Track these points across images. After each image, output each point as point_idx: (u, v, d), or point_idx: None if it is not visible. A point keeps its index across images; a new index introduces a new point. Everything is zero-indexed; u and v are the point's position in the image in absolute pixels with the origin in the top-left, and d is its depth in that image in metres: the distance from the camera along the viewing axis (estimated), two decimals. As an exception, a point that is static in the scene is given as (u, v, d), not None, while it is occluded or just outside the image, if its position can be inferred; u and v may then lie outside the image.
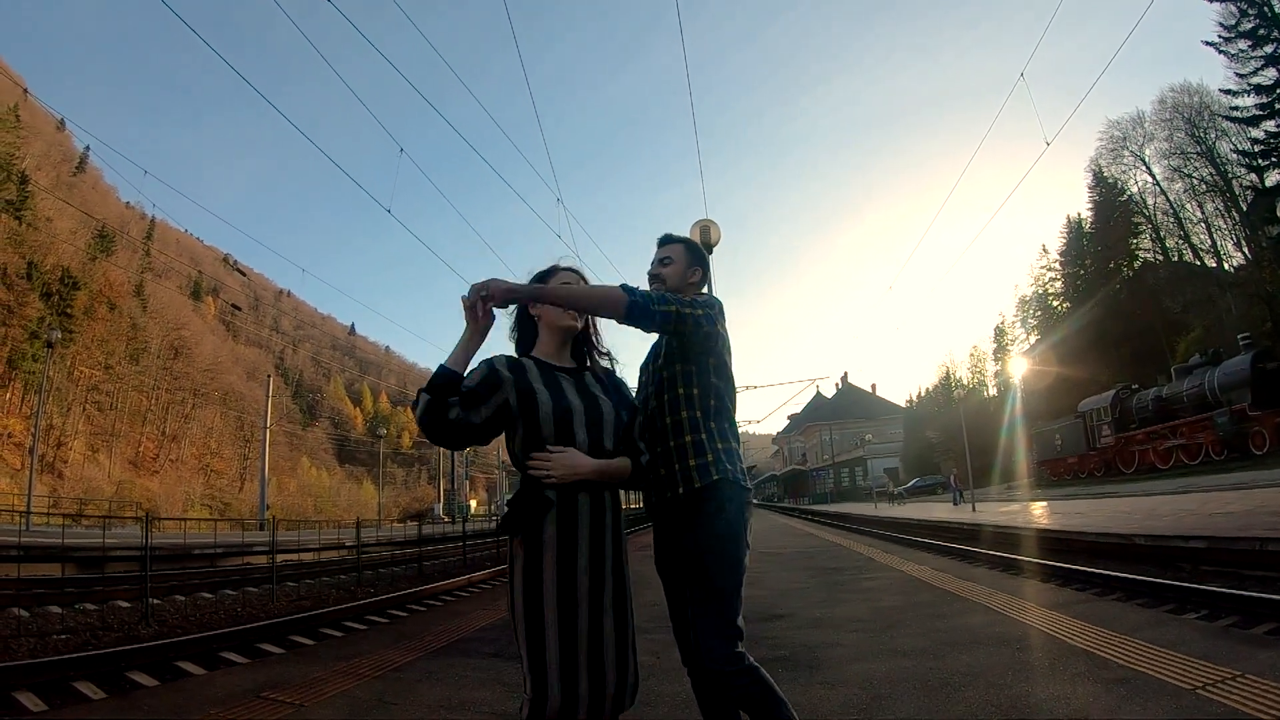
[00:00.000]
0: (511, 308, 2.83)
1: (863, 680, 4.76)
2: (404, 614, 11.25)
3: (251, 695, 5.02)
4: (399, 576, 17.36)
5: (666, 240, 3.32)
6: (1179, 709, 3.74)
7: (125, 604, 12.28)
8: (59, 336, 43.38)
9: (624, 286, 2.75)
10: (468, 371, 2.57)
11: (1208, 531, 11.27)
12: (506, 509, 2.59)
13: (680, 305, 2.84)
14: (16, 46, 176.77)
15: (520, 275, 2.77)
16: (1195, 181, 55.87)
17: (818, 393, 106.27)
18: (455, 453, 64.15)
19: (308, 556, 22.13)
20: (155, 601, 11.68)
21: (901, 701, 4.24)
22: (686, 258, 3.26)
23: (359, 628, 9.98)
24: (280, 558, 16.48)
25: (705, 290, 3.39)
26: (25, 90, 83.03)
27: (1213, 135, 54.11)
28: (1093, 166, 64.49)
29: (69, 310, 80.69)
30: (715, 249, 12.48)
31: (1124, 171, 62.50)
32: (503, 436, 2.69)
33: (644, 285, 3.10)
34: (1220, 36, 51.28)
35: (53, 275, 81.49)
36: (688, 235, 3.36)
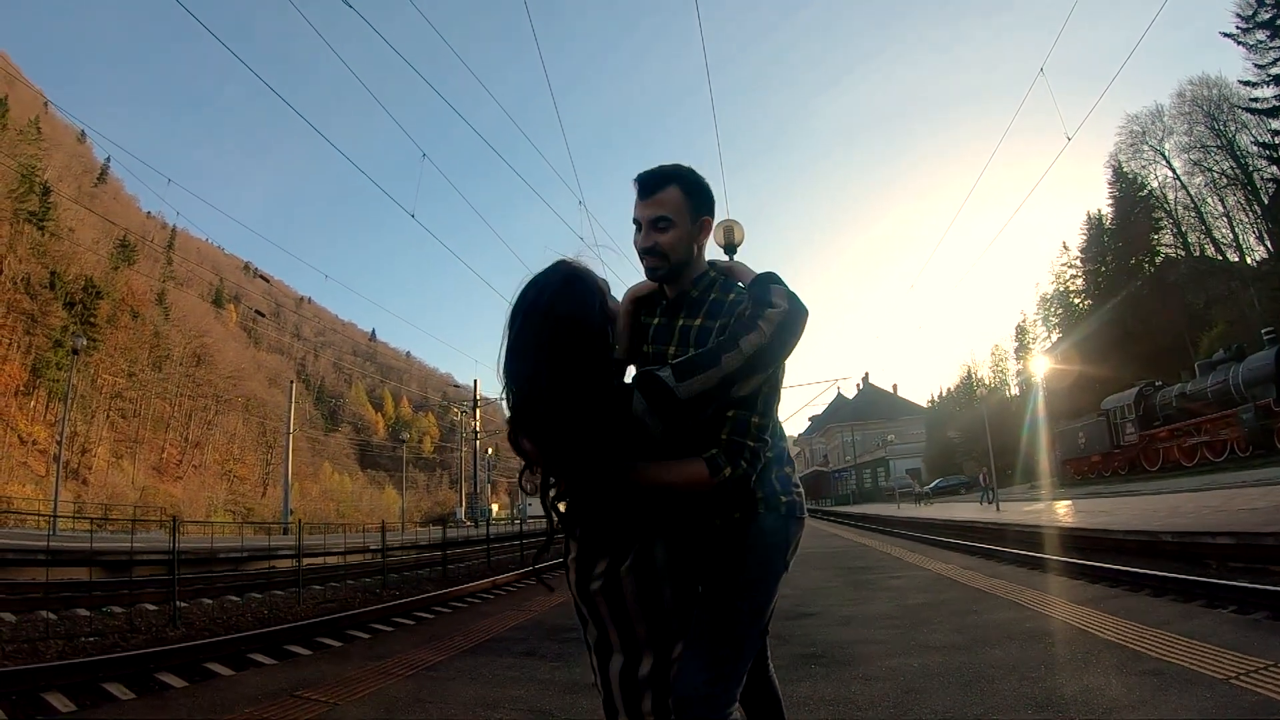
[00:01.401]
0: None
1: (896, 675, 4.76)
2: (430, 616, 11.31)
3: (285, 694, 5.05)
4: (424, 579, 17.45)
5: (653, 183, 2.26)
6: (1214, 698, 3.73)
7: (152, 607, 12.38)
8: (84, 343, 43.71)
9: (707, 460, 2.01)
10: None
11: (1234, 528, 11.20)
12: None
13: (768, 420, 2.14)
14: (37, 59, 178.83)
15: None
16: (1216, 175, 55.32)
17: (839, 394, 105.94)
18: (477, 457, 64.22)
19: (333, 560, 22.28)
20: (182, 604, 11.79)
21: (936, 695, 4.24)
22: (689, 209, 2.26)
23: (386, 629, 10.04)
24: (306, 561, 16.57)
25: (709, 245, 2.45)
26: (46, 102, 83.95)
27: (1233, 128, 53.58)
28: (1112, 162, 63.99)
29: (92, 319, 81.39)
30: (739, 249, 12.48)
31: (1144, 166, 61.95)
32: None
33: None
34: (1238, 28, 50.91)
35: (76, 284, 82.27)
36: (680, 165, 2.32)
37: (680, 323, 2.31)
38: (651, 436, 1.95)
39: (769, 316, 2.02)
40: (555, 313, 1.97)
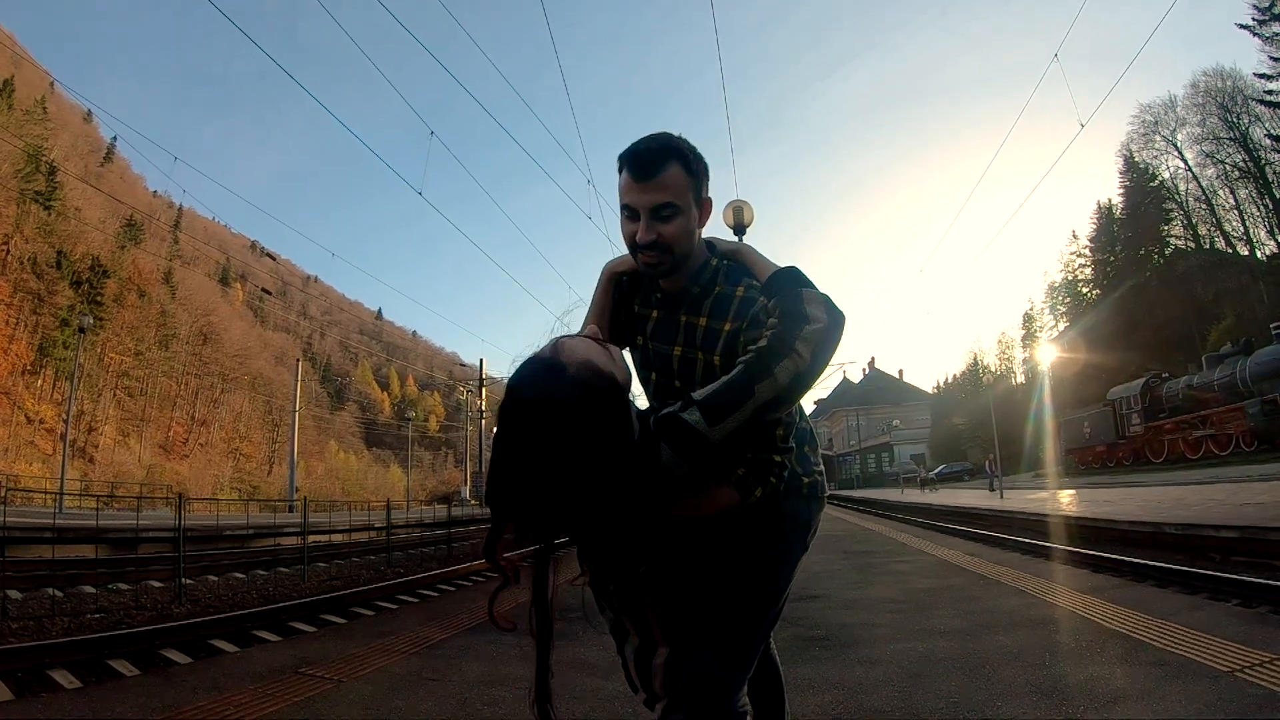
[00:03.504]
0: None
1: (901, 659, 4.77)
2: (435, 594, 11.38)
3: (289, 671, 5.05)
4: (428, 557, 17.58)
5: (652, 161, 1.88)
6: (1218, 691, 3.71)
7: (158, 584, 12.45)
8: (90, 322, 43.88)
9: (736, 484, 1.85)
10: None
11: (1238, 521, 11.19)
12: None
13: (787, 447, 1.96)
14: (43, 39, 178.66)
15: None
16: (1228, 167, 55.05)
17: (844, 378, 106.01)
18: (483, 436, 64.46)
19: (338, 538, 22.36)
20: (188, 581, 11.83)
21: (941, 680, 4.23)
22: (693, 190, 1.93)
23: (390, 607, 10.09)
24: (311, 539, 16.63)
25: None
26: (52, 82, 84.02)
27: (1246, 120, 53.30)
28: (1124, 151, 63.75)
29: (99, 298, 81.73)
30: (748, 230, 12.43)
31: (1155, 157, 61.66)
32: None
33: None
34: (1254, 19, 50.54)
35: (82, 264, 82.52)
36: (672, 135, 1.95)
37: (683, 319, 2.05)
38: (676, 477, 1.71)
39: (807, 336, 1.76)
40: (565, 436, 1.47)
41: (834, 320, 1.81)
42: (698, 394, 1.74)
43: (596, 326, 1.92)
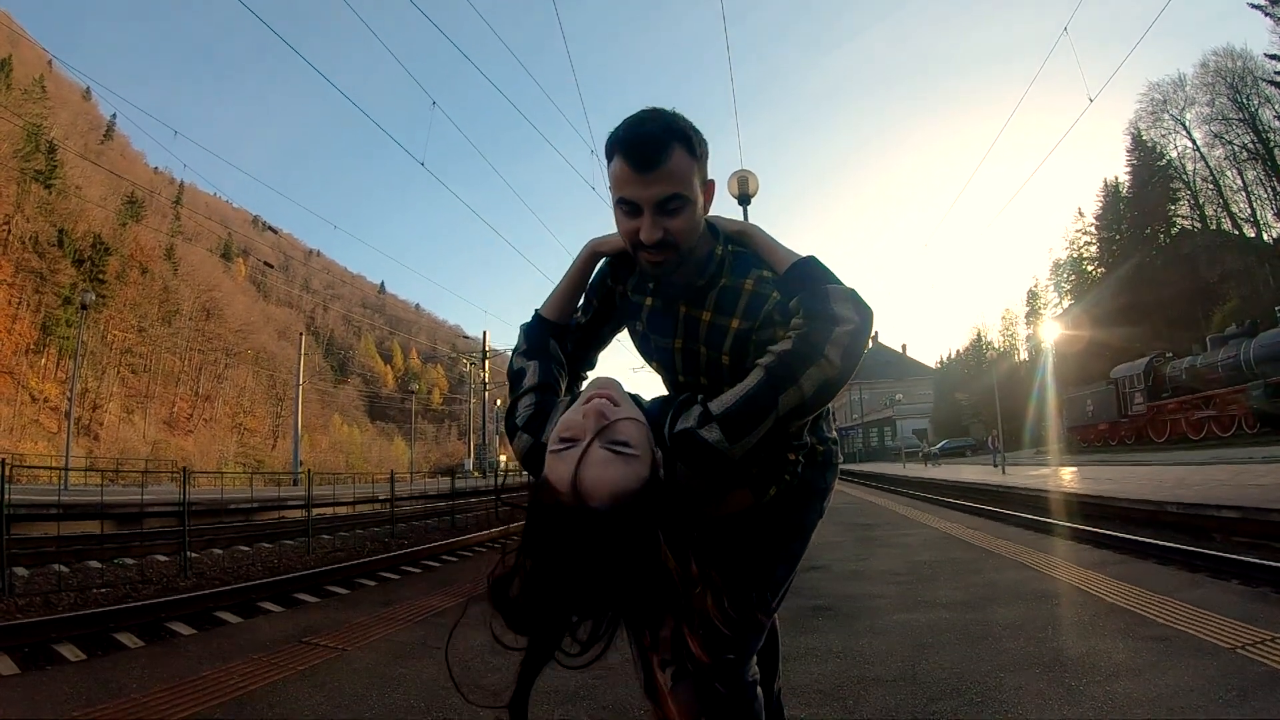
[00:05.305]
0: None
1: (905, 629, 4.79)
2: (438, 564, 11.46)
3: (293, 641, 5.08)
4: (432, 528, 17.65)
5: (655, 149, 1.62)
6: (1220, 667, 3.70)
7: (163, 558, 12.48)
8: (93, 299, 43.82)
9: (750, 486, 1.79)
10: None
11: (1240, 502, 11.17)
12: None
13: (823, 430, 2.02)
14: (41, 17, 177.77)
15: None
16: (1236, 148, 54.73)
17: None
18: (486, 408, 64.64)
19: (342, 510, 22.45)
20: (193, 555, 11.88)
21: (944, 651, 4.24)
22: (699, 175, 1.71)
23: (394, 577, 10.18)
24: (315, 511, 16.67)
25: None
26: (50, 60, 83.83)
27: (1256, 101, 52.96)
28: (1131, 129, 63.44)
29: (101, 275, 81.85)
30: (753, 200, 12.32)
31: (1163, 136, 61.34)
32: None
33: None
34: (1267, -1, 50.11)
35: (84, 242, 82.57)
36: (668, 113, 1.69)
37: (682, 311, 1.90)
38: (693, 489, 1.60)
39: (837, 340, 1.60)
40: (621, 570, 1.38)
41: (865, 319, 1.65)
42: (715, 405, 1.60)
43: (605, 393, 1.59)
